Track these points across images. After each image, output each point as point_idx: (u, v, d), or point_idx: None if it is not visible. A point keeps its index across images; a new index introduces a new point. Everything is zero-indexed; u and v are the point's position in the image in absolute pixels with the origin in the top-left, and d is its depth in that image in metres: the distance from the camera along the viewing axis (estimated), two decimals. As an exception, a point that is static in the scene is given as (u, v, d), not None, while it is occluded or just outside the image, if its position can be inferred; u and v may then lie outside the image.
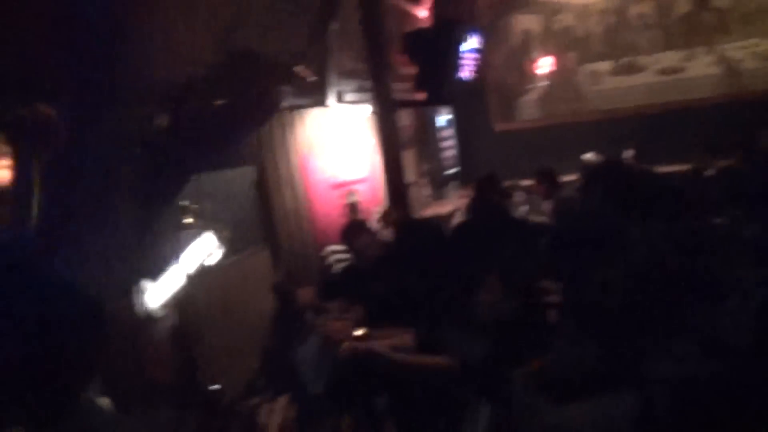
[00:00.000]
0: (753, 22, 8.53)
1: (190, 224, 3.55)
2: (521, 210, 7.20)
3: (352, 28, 6.38)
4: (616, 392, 2.51)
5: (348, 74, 6.29)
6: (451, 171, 9.09)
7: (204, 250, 3.63)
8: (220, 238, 3.85)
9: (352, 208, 5.97)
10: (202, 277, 3.48)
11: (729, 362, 2.56)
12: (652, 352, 2.68)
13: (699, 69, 8.75)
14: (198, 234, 3.61)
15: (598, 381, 2.57)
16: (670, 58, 8.86)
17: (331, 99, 5.89)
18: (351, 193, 6.04)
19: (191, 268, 3.50)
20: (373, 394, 3.25)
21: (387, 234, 5.30)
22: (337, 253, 4.99)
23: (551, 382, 2.64)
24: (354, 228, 4.30)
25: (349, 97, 6.28)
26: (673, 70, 8.86)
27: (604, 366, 2.65)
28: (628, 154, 7.37)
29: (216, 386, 2.93)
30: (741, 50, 8.61)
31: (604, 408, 2.49)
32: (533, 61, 9.41)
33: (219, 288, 3.90)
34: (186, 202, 3.62)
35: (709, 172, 6.54)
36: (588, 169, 5.75)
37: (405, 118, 7.86)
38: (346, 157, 6.15)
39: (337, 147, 6.03)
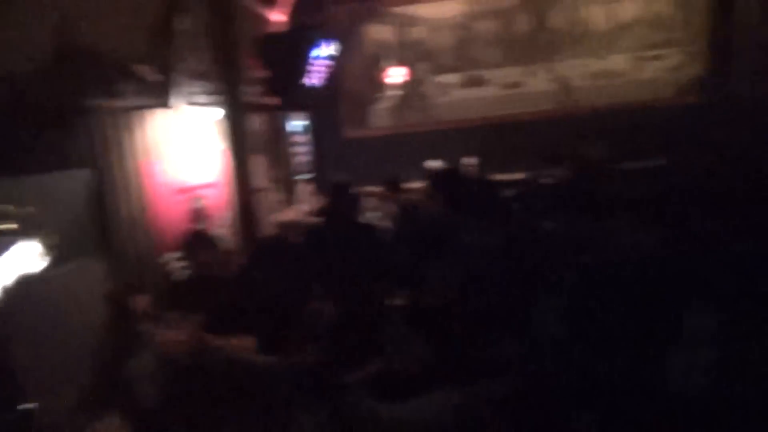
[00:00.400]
0: (584, 43, 9.28)
1: (5, 230, 3.27)
2: (373, 216, 7.33)
3: (204, 29, 6.20)
4: (448, 390, 2.60)
5: (198, 76, 6.10)
6: (306, 176, 9.07)
7: (24, 258, 3.36)
8: (46, 246, 3.58)
9: (198, 213, 5.78)
10: (21, 287, 3.21)
11: (552, 357, 2.73)
12: (483, 350, 2.81)
13: (537, 84, 9.37)
14: (16, 241, 3.33)
15: (431, 380, 2.65)
16: (512, 73, 9.43)
17: (177, 100, 5.68)
18: (197, 198, 5.85)
19: (7, 277, 3.22)
20: (212, 405, 3.15)
21: (230, 243, 5.18)
22: (176, 261, 4.81)
23: (387, 383, 2.68)
24: (196, 239, 4.17)
25: (198, 99, 6.09)
26: (514, 85, 9.43)
27: (438, 365, 2.73)
28: (470, 161, 7.71)
29: (29, 405, 2.71)
30: (573, 69, 9.33)
31: (435, 406, 2.57)
32: (386, 70, 9.63)
33: (44, 299, 3.63)
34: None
35: (545, 180, 7.00)
36: (430, 176, 5.95)
37: (258, 123, 7.75)
38: (193, 160, 5.95)
39: (183, 150, 5.81)
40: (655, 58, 9.20)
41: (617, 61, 9.26)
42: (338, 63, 8.35)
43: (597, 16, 9.27)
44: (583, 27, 9.31)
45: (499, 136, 8.92)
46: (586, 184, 5.50)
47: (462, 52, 9.53)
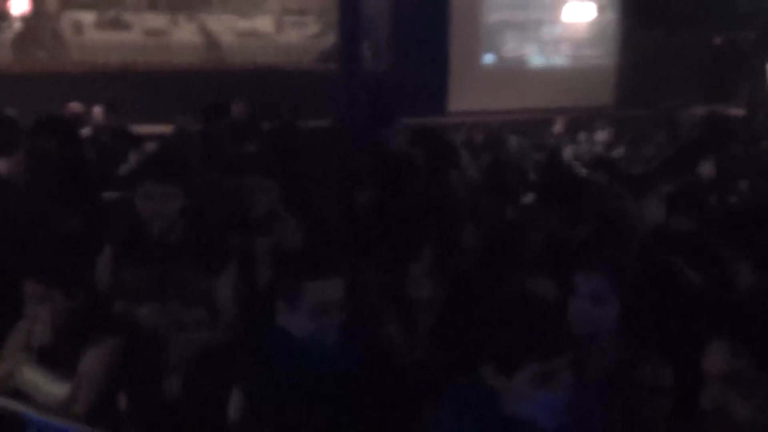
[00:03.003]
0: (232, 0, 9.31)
1: None
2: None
3: None
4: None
5: None
6: None
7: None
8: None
9: None
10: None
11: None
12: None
13: (183, 35, 9.12)
14: None
15: None
16: (156, 19, 9.00)
17: None
18: None
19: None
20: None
21: None
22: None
23: None
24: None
25: None
26: (159, 32, 9.03)
27: None
28: (98, 110, 7.17)
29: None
30: (221, 24, 9.30)
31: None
32: (9, -3, 8.33)
33: None
34: None
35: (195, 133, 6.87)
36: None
37: None
38: None
39: None
40: (298, 24, 9.69)
41: (263, 22, 9.51)
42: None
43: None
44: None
45: (140, 85, 8.49)
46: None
47: (102, -12, 8.76)
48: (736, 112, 9.41)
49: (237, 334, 2.38)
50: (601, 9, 10.69)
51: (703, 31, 10.76)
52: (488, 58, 10.95)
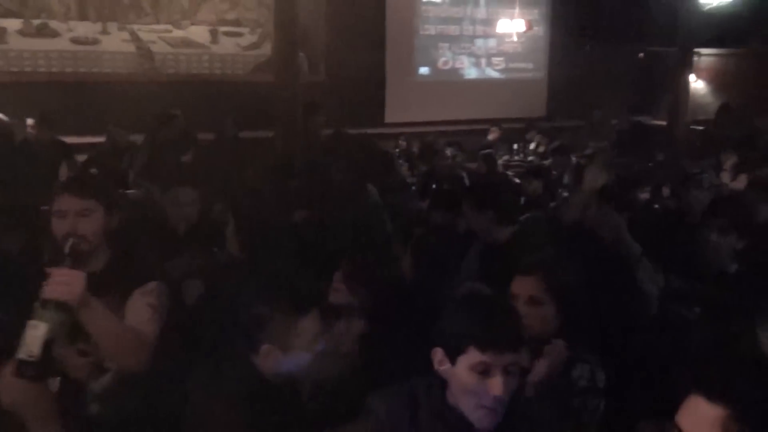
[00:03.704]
0: (164, 9, 9.13)
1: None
2: None
3: None
4: None
5: None
6: None
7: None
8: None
9: None
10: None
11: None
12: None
13: (113, 44, 8.89)
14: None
15: None
16: (85, 28, 8.74)
17: None
18: None
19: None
20: None
21: None
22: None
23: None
24: None
25: None
26: (88, 41, 8.78)
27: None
28: (30, 122, 6.92)
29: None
30: (153, 33, 9.11)
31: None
32: None
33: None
34: None
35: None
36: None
37: None
38: None
39: None
40: (233, 34, 9.60)
41: (197, 33, 9.37)
42: None
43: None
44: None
45: (72, 95, 8.23)
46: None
47: (27, -5, 8.45)
48: (659, 122, 9.83)
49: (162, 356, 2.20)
50: (533, 24, 11.00)
51: (629, 46, 11.24)
52: (423, 71, 11.11)
